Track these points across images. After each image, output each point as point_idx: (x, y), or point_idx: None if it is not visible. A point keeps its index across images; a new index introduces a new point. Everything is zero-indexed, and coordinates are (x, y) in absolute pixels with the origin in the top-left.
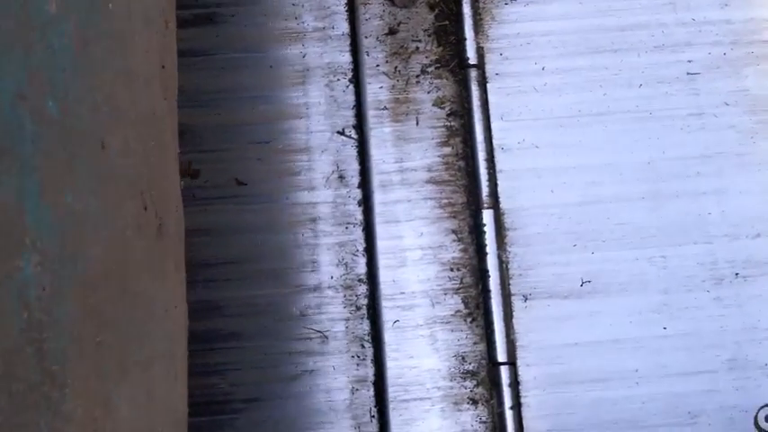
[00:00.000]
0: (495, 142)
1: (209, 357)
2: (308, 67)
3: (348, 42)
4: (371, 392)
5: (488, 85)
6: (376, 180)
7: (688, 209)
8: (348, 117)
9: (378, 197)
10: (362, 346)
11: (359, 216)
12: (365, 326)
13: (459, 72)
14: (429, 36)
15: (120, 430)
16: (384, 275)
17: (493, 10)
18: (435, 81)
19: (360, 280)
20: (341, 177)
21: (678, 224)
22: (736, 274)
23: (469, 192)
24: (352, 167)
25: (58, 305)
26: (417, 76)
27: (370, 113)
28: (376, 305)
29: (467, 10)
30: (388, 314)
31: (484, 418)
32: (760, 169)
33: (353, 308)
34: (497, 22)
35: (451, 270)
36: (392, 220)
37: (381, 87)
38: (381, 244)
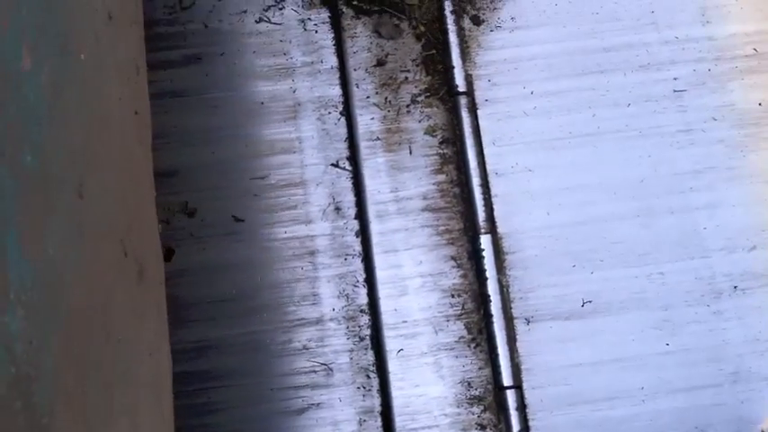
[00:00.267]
0: (488, 167)
1: (213, 395)
2: (298, 101)
3: (337, 75)
4: (379, 423)
5: (479, 112)
6: (372, 210)
7: (683, 224)
8: (341, 149)
9: (375, 227)
10: (368, 377)
11: (357, 247)
12: (369, 356)
13: (448, 100)
14: (417, 66)
15: None
16: (385, 305)
17: (479, 37)
18: (426, 110)
19: (362, 311)
20: (337, 209)
21: (674, 240)
22: (735, 287)
23: (466, 218)
24: (348, 199)
25: (44, 357)
26: (408, 106)
27: (363, 144)
28: (379, 335)
29: (453, 39)
30: (391, 343)
31: None
32: (751, 181)
33: (357, 339)
34: (484, 48)
35: (452, 296)
36: (391, 250)
37: (373, 118)
38: (381, 274)
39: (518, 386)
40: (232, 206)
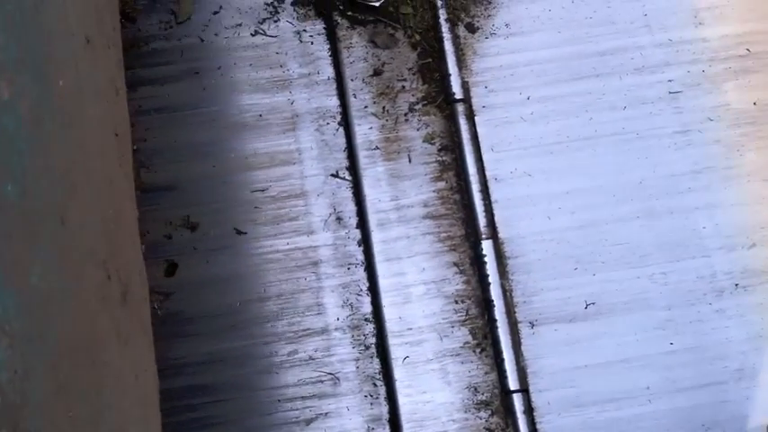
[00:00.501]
0: (487, 173)
1: (220, 408)
2: (296, 113)
3: (334, 86)
4: (387, 430)
5: (476, 118)
6: (373, 219)
7: (683, 224)
8: (341, 159)
9: (377, 236)
10: (374, 385)
11: (360, 256)
12: (375, 364)
13: (446, 107)
14: (414, 74)
15: None
16: (390, 313)
17: (474, 44)
18: (424, 118)
19: (366, 319)
20: (339, 219)
21: (674, 240)
22: (736, 284)
23: (467, 224)
24: (349, 208)
25: (30, 385)
26: (405, 114)
27: (362, 154)
28: (384, 343)
29: (448, 47)
30: (397, 351)
31: None
32: (749, 180)
33: (362, 347)
34: (479, 55)
35: (456, 302)
36: (393, 258)
37: (371, 128)
38: (384, 282)
39: (525, 390)
40: (234, 219)
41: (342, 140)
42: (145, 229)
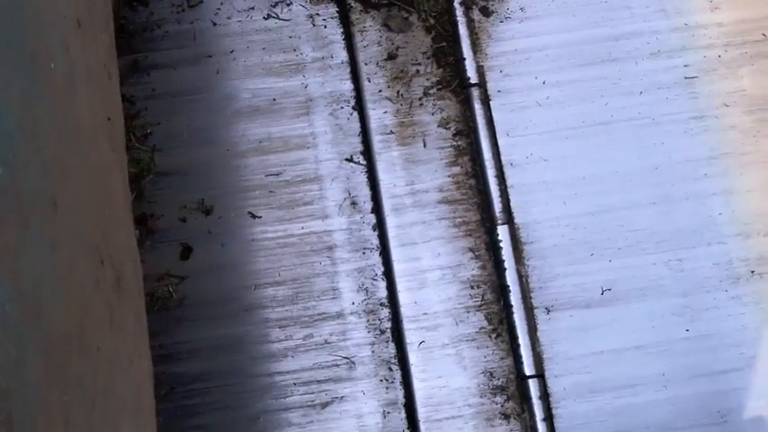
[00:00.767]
0: (503, 158)
1: (236, 392)
2: (310, 97)
3: (348, 70)
4: (403, 414)
5: (491, 103)
6: (388, 204)
7: (699, 211)
8: (355, 144)
9: (392, 221)
10: (390, 369)
11: (375, 241)
12: (391, 349)
13: (461, 92)
14: (428, 58)
15: None
16: (405, 298)
17: (489, 29)
18: (438, 102)
19: (381, 304)
20: (353, 204)
21: (690, 227)
22: (752, 271)
23: (482, 209)
24: (364, 193)
25: (23, 370)
26: (420, 99)
27: (377, 138)
28: (400, 328)
29: (463, 31)
30: (412, 336)
31: None
32: (765, 167)
33: (378, 332)
34: (494, 40)
35: (472, 288)
36: (408, 243)
37: (385, 112)
38: (400, 267)
39: (540, 375)
40: (248, 203)
41: (356, 125)
42: (159, 212)
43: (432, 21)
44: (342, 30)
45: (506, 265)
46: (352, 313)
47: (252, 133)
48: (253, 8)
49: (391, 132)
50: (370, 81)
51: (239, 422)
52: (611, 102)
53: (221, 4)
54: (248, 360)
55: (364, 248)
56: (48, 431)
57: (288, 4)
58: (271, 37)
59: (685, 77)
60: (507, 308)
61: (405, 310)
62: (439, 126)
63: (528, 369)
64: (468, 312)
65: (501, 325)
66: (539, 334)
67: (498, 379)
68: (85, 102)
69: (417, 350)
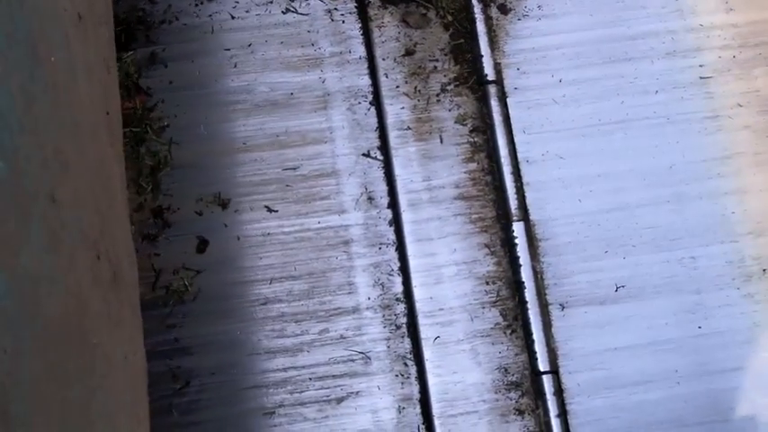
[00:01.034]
0: (519, 155)
1: (251, 383)
2: (328, 92)
3: (366, 65)
4: (418, 410)
5: (508, 100)
6: (405, 199)
7: (712, 209)
8: (372, 139)
9: (408, 216)
10: (405, 365)
11: (391, 236)
12: (406, 344)
13: (478, 89)
14: (446, 55)
15: None
16: (421, 293)
17: (506, 26)
18: (455, 99)
19: (397, 299)
20: (370, 199)
21: (704, 225)
22: (764, 270)
23: (498, 205)
24: (381, 188)
25: (20, 366)
26: (437, 95)
27: (394, 134)
28: (415, 323)
29: (481, 28)
30: (428, 331)
31: (531, 428)
32: None
33: (393, 327)
34: (512, 37)
35: (487, 284)
36: (424, 238)
37: (403, 108)
38: (415, 262)
39: (555, 371)
40: (265, 197)
41: (373, 120)
42: (176, 205)
43: (450, 18)
44: (360, 25)
45: (521, 261)
46: (367, 308)
47: (269, 127)
48: (271, 2)
49: (408, 128)
50: (387, 77)
51: (254, 416)
52: (627, 100)
53: None
54: (264, 354)
55: (380, 243)
56: (45, 427)
57: None
58: (289, 31)
59: (700, 77)
60: (522, 304)
61: (420, 306)
62: (456, 122)
63: (542, 365)
64: (484, 308)
65: (516, 321)
66: (553, 330)
67: (513, 375)
68: (85, 96)
69: (432, 345)
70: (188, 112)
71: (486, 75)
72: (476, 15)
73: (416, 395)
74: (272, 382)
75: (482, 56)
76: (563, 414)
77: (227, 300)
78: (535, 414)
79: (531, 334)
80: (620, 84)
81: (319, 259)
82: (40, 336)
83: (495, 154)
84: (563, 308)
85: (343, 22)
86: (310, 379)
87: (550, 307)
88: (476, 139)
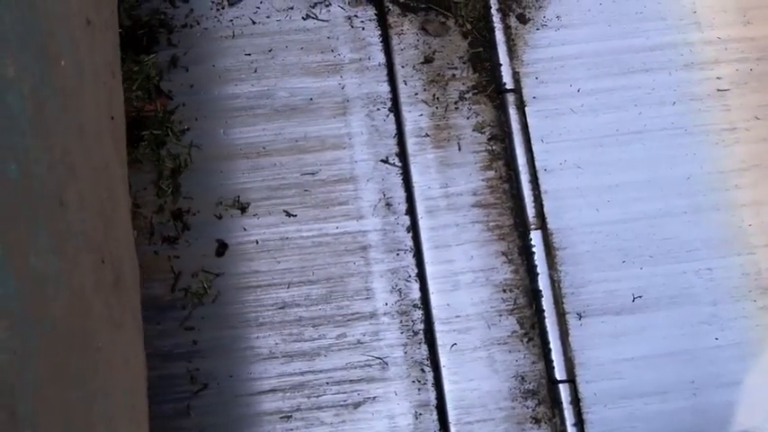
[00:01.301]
0: (537, 164)
1: (268, 387)
2: (347, 98)
3: (385, 72)
4: (435, 416)
5: (526, 109)
6: (422, 206)
7: (729, 221)
8: (390, 145)
9: (425, 223)
10: (422, 371)
11: (408, 242)
12: (423, 350)
13: (496, 97)
14: (464, 63)
15: None
16: (438, 300)
17: (525, 35)
18: (474, 107)
19: (414, 305)
20: (388, 205)
21: (720, 236)
22: None
23: (516, 214)
24: (399, 195)
25: (27, 367)
26: (456, 103)
27: (412, 141)
28: (432, 329)
29: (500, 37)
30: (444, 338)
31: None
32: None
33: (410, 333)
34: (530, 47)
35: (504, 291)
36: (442, 245)
37: (421, 115)
38: (433, 269)
39: (571, 380)
40: (283, 201)
41: (392, 126)
42: (195, 208)
43: (468, 26)
44: (379, 32)
45: (539, 269)
46: (385, 314)
47: (288, 132)
48: (292, 8)
49: (426, 135)
50: (406, 84)
51: (271, 420)
52: (645, 111)
53: (261, 2)
54: (281, 358)
55: (398, 250)
56: (49, 429)
57: (327, 6)
58: (309, 37)
59: (718, 90)
60: (539, 312)
61: (437, 312)
62: (474, 130)
63: (559, 374)
64: (501, 316)
65: (533, 329)
66: (570, 339)
67: (529, 383)
68: (91, 100)
69: (449, 352)
70: (208, 115)
71: (505, 83)
72: (495, 24)
73: (433, 401)
74: (290, 386)
75: (501, 64)
76: (579, 423)
77: (245, 303)
78: (551, 423)
79: (548, 343)
80: (638, 94)
81: (337, 264)
82: (47, 337)
83: (513, 162)
84: (580, 317)
85: (363, 29)
86: (327, 383)
87: (567, 316)
88: (494, 147)
